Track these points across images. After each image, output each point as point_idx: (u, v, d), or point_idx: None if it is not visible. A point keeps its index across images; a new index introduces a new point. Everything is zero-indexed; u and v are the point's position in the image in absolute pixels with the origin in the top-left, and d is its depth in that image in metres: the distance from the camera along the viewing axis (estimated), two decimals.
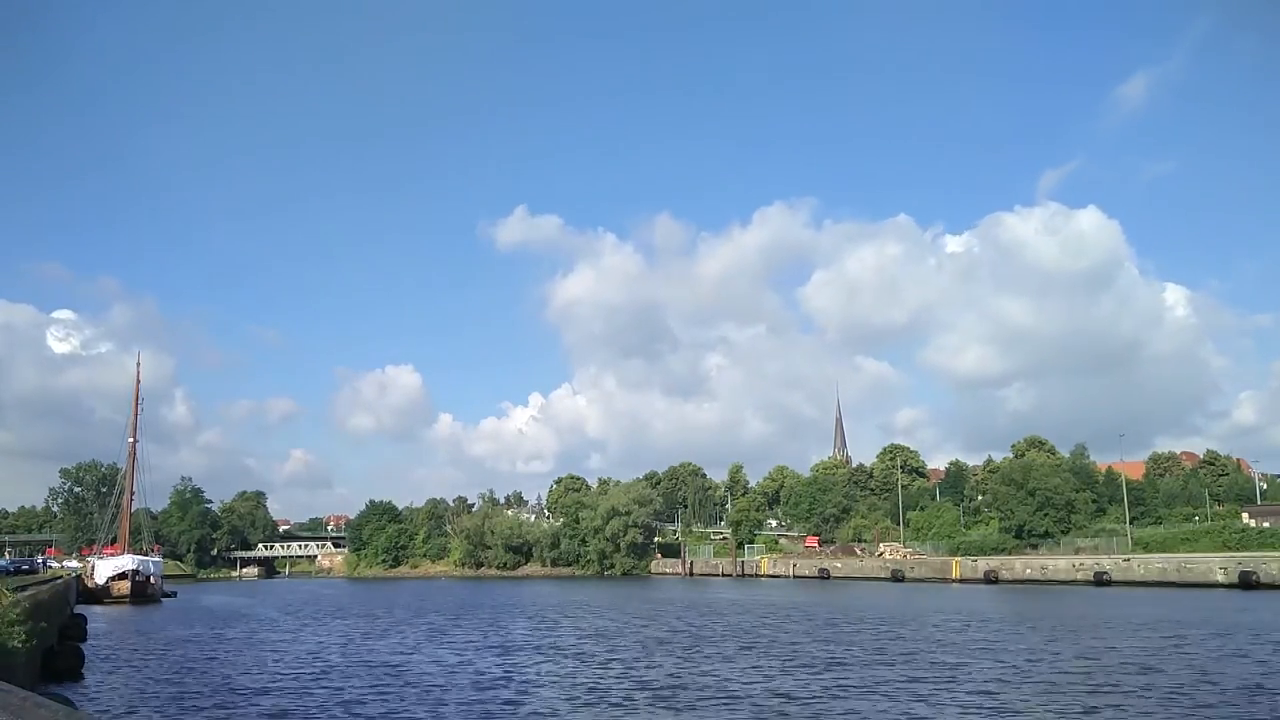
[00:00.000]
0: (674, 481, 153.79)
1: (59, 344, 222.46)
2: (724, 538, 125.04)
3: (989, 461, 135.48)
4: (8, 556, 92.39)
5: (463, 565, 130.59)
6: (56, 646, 24.70)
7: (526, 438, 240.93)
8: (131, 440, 77.38)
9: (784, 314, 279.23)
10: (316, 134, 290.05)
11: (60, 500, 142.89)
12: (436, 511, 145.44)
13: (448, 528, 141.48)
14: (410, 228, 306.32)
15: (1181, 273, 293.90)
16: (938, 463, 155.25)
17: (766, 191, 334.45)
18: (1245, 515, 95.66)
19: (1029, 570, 74.35)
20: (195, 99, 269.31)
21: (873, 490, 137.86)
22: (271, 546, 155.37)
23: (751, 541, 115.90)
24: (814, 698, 19.31)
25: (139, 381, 79.52)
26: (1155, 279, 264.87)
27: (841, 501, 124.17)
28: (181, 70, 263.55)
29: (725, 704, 18.83)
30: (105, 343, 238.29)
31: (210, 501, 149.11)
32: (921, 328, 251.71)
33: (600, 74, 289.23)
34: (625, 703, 19.18)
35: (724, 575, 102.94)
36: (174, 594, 75.49)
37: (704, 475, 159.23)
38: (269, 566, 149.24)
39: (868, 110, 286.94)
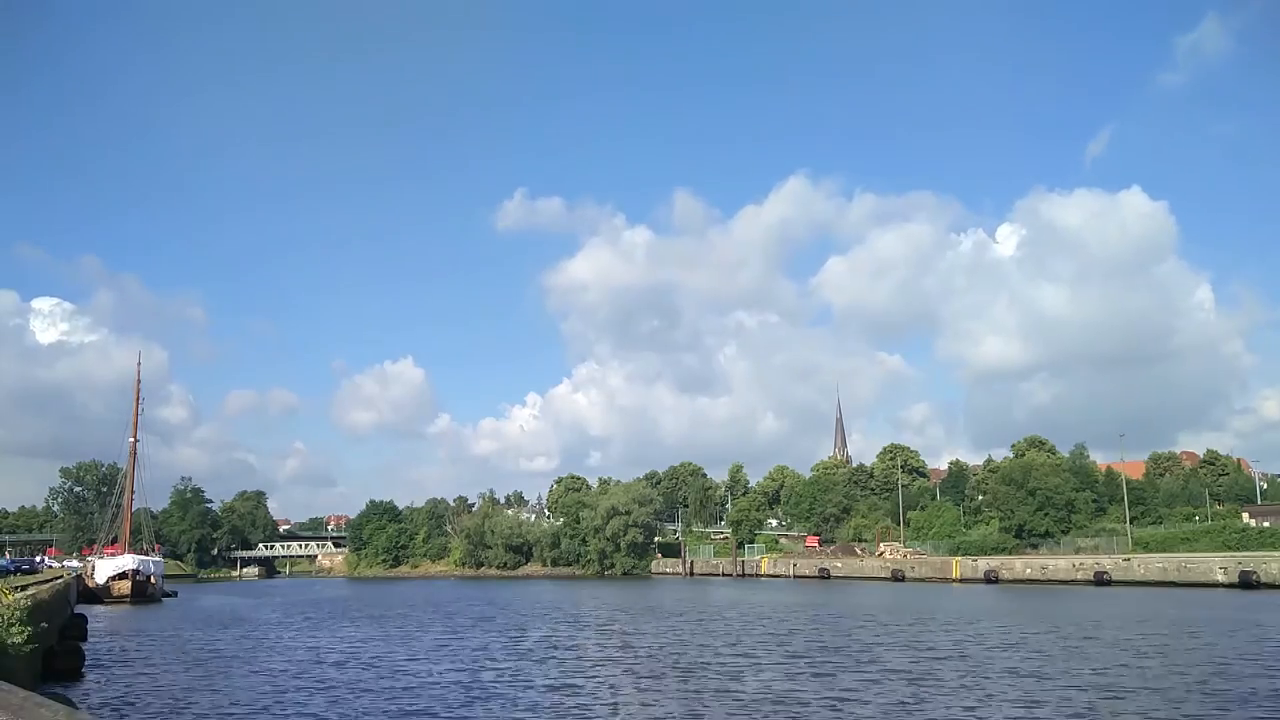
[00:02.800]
0: (674, 481, 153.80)
1: (44, 333, 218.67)
2: (724, 537, 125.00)
3: (989, 461, 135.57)
4: (8, 556, 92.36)
5: (463, 565, 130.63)
6: (57, 646, 24.67)
7: (529, 435, 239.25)
8: (132, 440, 77.49)
9: (798, 302, 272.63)
10: (312, 123, 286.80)
11: (60, 500, 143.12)
12: (437, 511, 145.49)
13: (448, 527, 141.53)
14: (411, 217, 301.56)
15: (1220, 261, 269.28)
16: (953, 456, 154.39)
17: (784, 171, 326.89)
18: (1245, 515, 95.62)
19: (1029, 570, 74.33)
20: (188, 88, 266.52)
21: (873, 490, 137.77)
22: (272, 546, 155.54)
23: (752, 541, 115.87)
24: None
25: (139, 381, 79.59)
26: (1194, 266, 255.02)
27: (842, 501, 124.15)
28: (177, 58, 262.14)
29: None
30: (92, 333, 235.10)
31: (210, 501, 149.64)
32: (943, 317, 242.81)
33: (605, 55, 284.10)
34: None
35: (724, 575, 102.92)
36: (174, 594, 75.52)
37: (704, 475, 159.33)
38: (269, 566, 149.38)
39: (892, 79, 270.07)
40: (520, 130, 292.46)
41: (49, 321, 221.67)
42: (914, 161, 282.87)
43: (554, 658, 27.65)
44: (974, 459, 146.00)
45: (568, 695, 20.36)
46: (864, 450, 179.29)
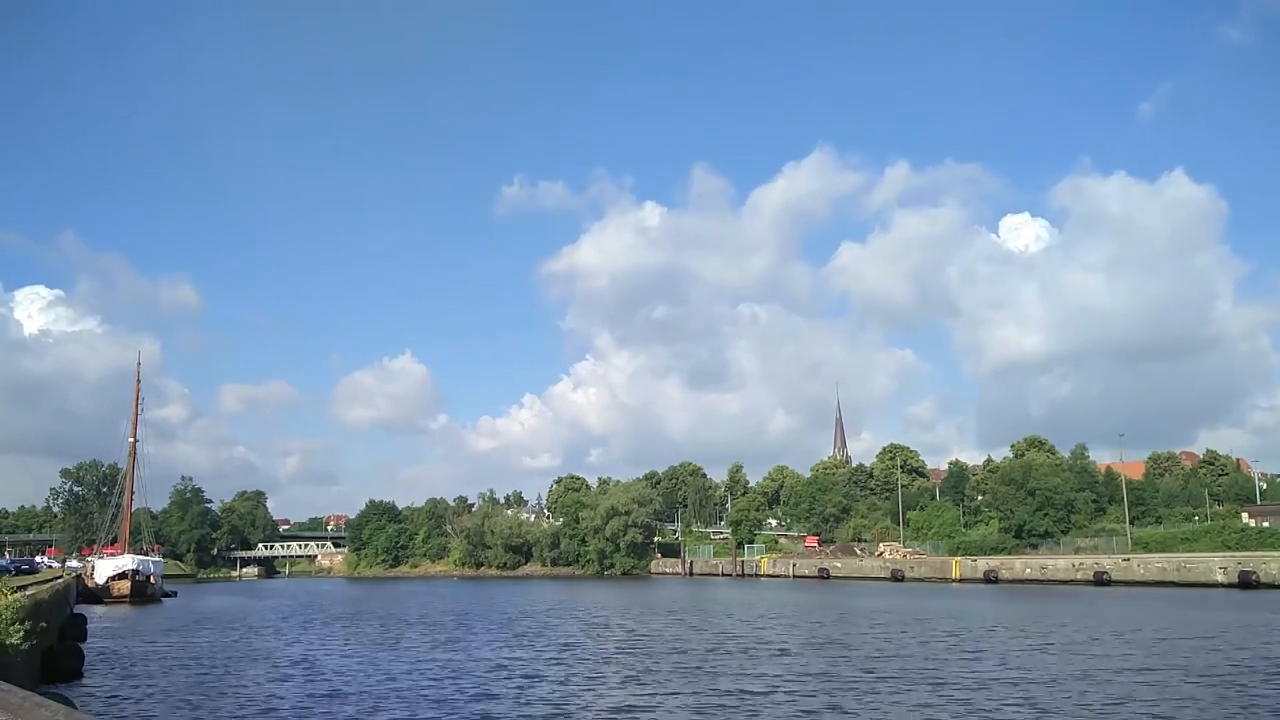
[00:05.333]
0: (674, 481, 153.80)
1: (29, 323, 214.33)
2: (724, 537, 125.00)
3: (989, 461, 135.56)
4: (8, 556, 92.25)
5: (463, 565, 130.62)
6: (56, 646, 24.69)
7: (530, 433, 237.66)
8: (132, 440, 77.46)
9: (814, 289, 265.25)
10: (310, 108, 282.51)
11: (61, 500, 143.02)
12: (436, 511, 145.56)
13: (448, 527, 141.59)
14: (409, 206, 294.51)
15: (1268, 248, 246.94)
16: (967, 453, 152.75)
17: (807, 146, 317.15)
18: (1245, 515, 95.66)
19: (1029, 570, 74.35)
20: (178, 69, 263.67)
21: (873, 490, 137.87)
22: (271, 546, 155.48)
23: (751, 541, 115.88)
24: None
25: (139, 382, 79.59)
26: (1240, 254, 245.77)
27: (841, 501, 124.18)
28: (171, 36, 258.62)
29: None
30: (77, 323, 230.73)
31: (210, 501, 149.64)
32: (963, 306, 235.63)
33: (617, 23, 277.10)
34: None
35: (724, 575, 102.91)
36: (174, 594, 75.50)
37: (704, 475, 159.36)
38: (269, 566, 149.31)
39: (932, 37, 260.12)
40: (522, 108, 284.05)
41: (34, 311, 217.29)
42: (951, 130, 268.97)
43: (566, 661, 27.63)
44: (989, 455, 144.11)
45: (578, 700, 20.36)
46: (875, 447, 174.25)
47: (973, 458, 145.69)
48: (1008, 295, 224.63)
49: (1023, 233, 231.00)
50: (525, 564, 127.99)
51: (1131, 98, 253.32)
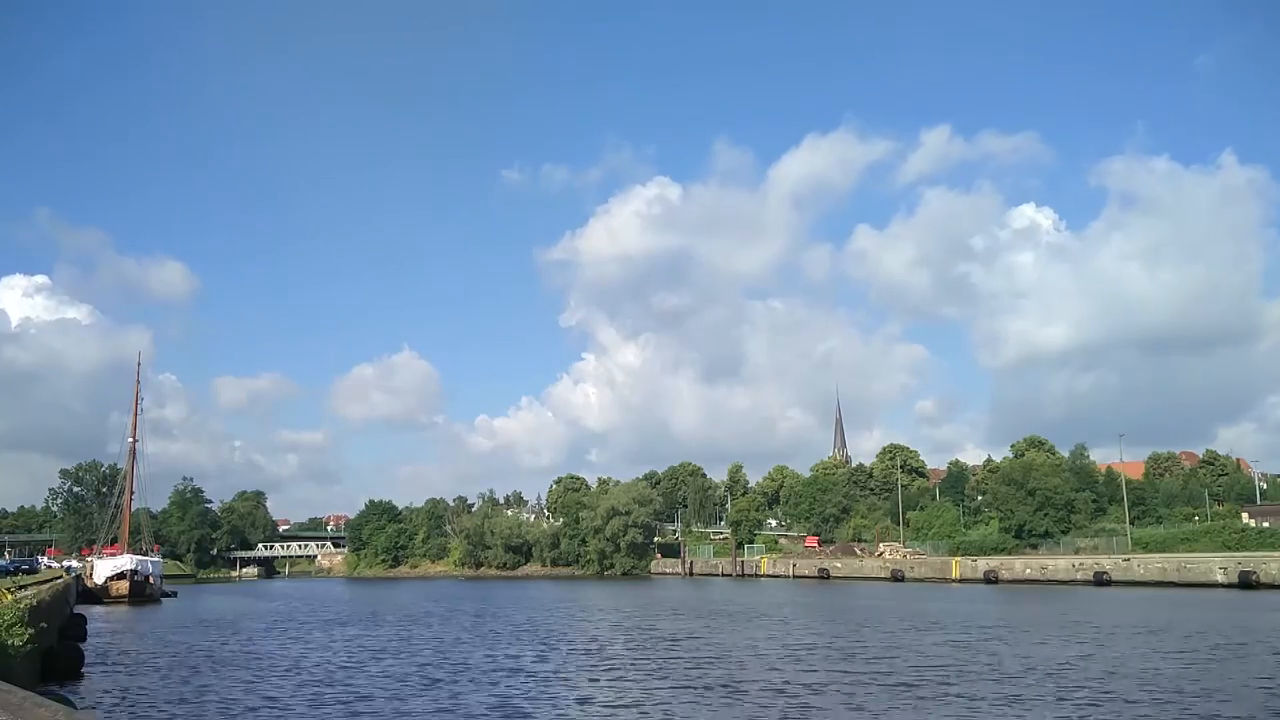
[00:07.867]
0: (674, 481, 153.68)
1: (13, 312, 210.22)
2: (724, 537, 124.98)
3: (989, 461, 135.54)
4: (8, 556, 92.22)
5: (462, 565, 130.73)
6: (56, 646, 24.66)
7: (531, 431, 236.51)
8: (131, 440, 77.39)
9: (830, 276, 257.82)
10: (309, 98, 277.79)
11: (60, 500, 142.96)
12: (436, 511, 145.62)
13: (447, 528, 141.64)
14: (410, 199, 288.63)
15: None
16: (982, 450, 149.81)
17: (823, 124, 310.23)
18: (1245, 515, 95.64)
19: (1029, 570, 74.32)
20: (179, 55, 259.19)
21: (872, 490, 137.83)
22: (271, 546, 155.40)
23: (751, 541, 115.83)
24: None
25: (139, 382, 79.56)
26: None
27: (841, 501, 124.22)
28: (173, 20, 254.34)
29: None
30: (59, 313, 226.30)
31: (210, 501, 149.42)
32: (982, 295, 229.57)
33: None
34: None
35: (724, 575, 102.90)
36: (174, 594, 75.46)
37: (704, 475, 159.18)
38: (269, 567, 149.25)
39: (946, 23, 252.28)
40: (527, 91, 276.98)
41: (14, 300, 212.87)
42: (995, 93, 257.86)
43: (578, 664, 27.57)
44: (989, 455, 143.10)
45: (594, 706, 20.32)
46: (886, 443, 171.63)
47: (986, 455, 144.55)
48: (1033, 284, 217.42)
49: (1053, 219, 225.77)
50: (525, 564, 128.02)
51: (1188, 50, 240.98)
